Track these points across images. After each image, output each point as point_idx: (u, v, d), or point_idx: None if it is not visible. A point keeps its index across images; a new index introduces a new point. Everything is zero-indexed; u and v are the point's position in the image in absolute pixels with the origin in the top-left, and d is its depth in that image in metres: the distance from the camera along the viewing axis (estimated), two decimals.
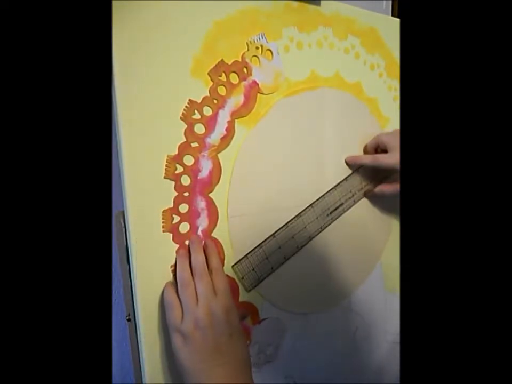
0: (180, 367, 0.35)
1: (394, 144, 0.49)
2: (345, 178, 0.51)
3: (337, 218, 0.50)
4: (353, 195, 0.52)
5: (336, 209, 0.50)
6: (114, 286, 0.52)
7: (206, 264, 0.37)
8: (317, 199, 0.48)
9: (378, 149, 0.52)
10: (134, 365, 0.38)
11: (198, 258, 0.37)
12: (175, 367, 0.38)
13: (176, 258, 0.38)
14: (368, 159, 0.51)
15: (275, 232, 0.45)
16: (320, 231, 0.49)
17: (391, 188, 0.52)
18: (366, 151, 0.54)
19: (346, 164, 0.51)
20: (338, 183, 0.50)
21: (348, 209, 0.51)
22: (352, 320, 0.56)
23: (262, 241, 0.44)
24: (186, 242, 0.38)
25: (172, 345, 0.35)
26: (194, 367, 0.34)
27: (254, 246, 0.44)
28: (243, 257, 0.43)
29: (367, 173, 0.53)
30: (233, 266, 0.42)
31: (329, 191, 0.49)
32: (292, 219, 0.46)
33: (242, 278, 0.43)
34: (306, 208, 0.47)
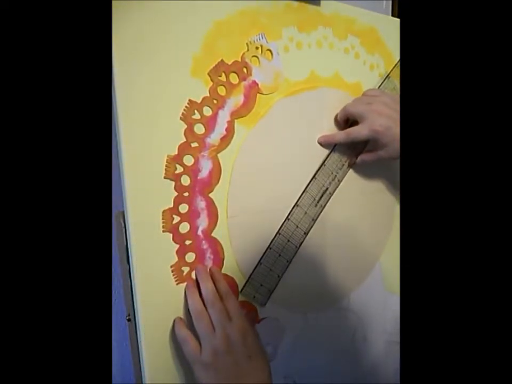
0: None
1: (364, 113, 0.46)
2: (323, 163, 0.49)
3: (326, 204, 0.49)
4: (335, 176, 0.50)
5: (322, 196, 0.49)
6: (114, 286, 0.52)
7: (216, 291, 0.38)
8: (300, 196, 0.47)
9: (349, 121, 0.50)
10: (134, 365, 0.38)
11: (207, 286, 0.38)
12: (175, 367, 0.38)
13: (185, 292, 0.38)
14: (342, 136, 0.47)
15: (270, 244, 0.45)
16: (314, 223, 0.49)
17: (372, 156, 0.49)
18: (337, 126, 0.50)
19: (320, 145, 0.49)
20: (317, 171, 0.48)
21: (334, 191, 0.50)
22: (351, 320, 0.56)
23: (260, 257, 0.44)
24: (187, 242, 0.38)
25: (195, 376, 0.35)
26: None
27: (253, 246, 0.44)
28: (246, 282, 0.43)
29: (344, 149, 0.51)
30: (240, 292, 0.43)
31: (309, 183, 0.48)
32: (281, 225, 0.46)
33: (254, 297, 0.44)
34: (292, 209, 0.46)
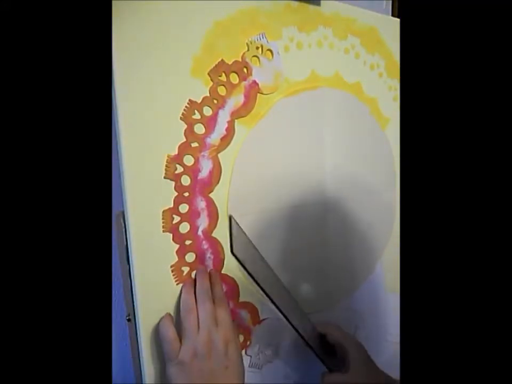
0: None
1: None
2: None
3: None
4: None
5: None
6: (114, 286, 0.52)
7: (210, 292, 0.38)
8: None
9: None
10: (134, 365, 0.38)
11: (203, 285, 0.38)
12: None
13: (182, 286, 0.38)
14: None
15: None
16: None
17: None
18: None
19: None
20: None
21: None
22: (352, 320, 0.56)
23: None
24: (187, 242, 0.38)
25: (166, 374, 0.35)
26: None
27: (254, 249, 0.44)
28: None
29: None
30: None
31: None
32: None
33: None
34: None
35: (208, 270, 0.40)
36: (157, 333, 0.37)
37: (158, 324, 0.37)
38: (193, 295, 0.37)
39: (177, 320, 0.37)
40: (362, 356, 0.46)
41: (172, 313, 0.38)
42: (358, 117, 0.53)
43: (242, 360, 0.38)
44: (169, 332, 0.35)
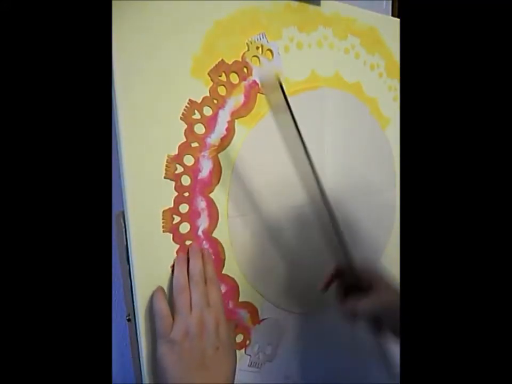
0: (161, 375, 0.34)
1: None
2: None
3: None
4: None
5: None
6: (114, 286, 0.52)
7: (203, 273, 0.38)
8: None
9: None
10: (134, 365, 0.38)
11: (196, 266, 0.37)
12: None
13: (174, 262, 0.38)
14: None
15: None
16: None
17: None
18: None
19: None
20: None
21: None
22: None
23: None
24: (187, 242, 0.38)
25: (157, 353, 0.35)
26: (177, 375, 0.33)
27: (254, 246, 0.44)
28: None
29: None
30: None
31: None
32: None
33: None
34: None
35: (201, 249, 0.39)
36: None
37: (151, 297, 0.36)
38: (186, 273, 0.37)
39: (169, 299, 0.37)
40: (388, 278, 0.43)
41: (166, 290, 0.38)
42: (358, 117, 0.53)
43: (233, 341, 0.38)
44: (162, 308, 0.35)
